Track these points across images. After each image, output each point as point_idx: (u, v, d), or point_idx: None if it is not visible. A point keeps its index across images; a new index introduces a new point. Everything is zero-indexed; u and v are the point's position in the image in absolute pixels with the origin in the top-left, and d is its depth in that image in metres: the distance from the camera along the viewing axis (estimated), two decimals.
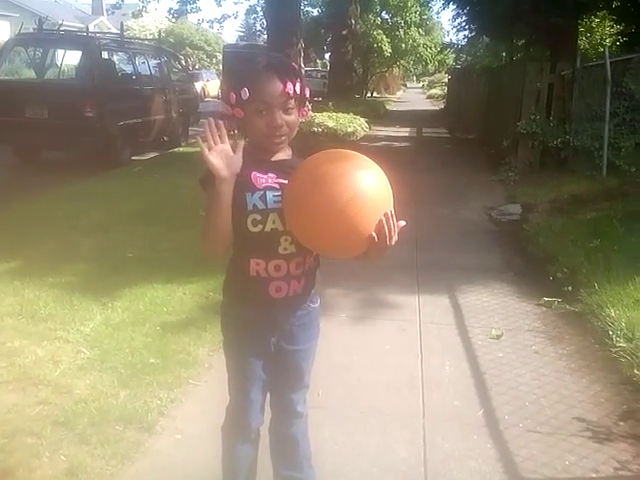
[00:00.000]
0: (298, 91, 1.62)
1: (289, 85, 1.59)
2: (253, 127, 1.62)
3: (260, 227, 1.64)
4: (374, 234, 1.48)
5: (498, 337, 3.47)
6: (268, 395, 1.88)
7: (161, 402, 2.67)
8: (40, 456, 2.27)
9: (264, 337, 1.77)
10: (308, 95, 1.68)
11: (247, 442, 1.90)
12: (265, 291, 1.69)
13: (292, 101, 1.62)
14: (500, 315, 3.81)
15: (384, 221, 1.49)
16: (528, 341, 3.45)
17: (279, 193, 1.62)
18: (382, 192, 1.52)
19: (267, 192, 1.63)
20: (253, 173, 1.64)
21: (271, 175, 1.64)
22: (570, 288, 4.10)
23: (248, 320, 1.76)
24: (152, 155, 10.23)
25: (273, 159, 1.67)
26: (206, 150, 1.53)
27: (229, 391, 1.87)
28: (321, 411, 2.64)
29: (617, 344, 3.26)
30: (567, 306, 3.90)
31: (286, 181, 1.59)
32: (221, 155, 1.54)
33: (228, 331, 1.83)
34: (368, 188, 1.47)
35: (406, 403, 2.79)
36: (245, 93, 1.58)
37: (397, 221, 1.53)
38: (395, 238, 1.52)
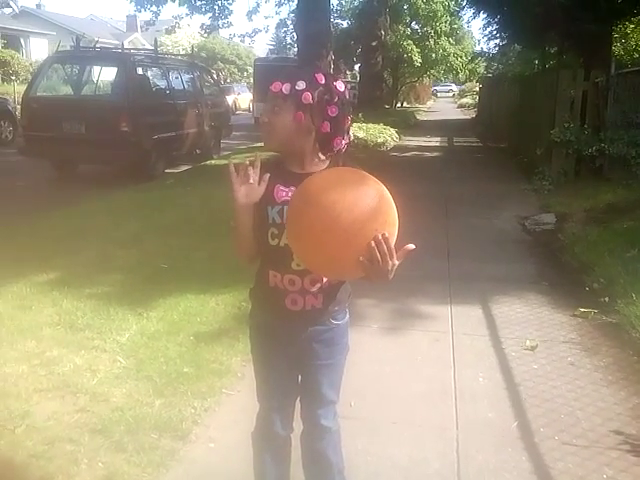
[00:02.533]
0: (286, 91, 1.59)
1: (276, 84, 1.61)
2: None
3: (277, 241, 1.67)
4: (362, 258, 1.41)
5: (533, 348, 3.42)
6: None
7: (195, 411, 2.71)
8: (78, 463, 2.33)
9: (284, 346, 1.79)
10: (308, 102, 1.59)
11: (275, 449, 1.91)
12: (282, 302, 1.72)
13: (279, 100, 1.61)
14: (534, 326, 3.75)
15: (374, 245, 1.40)
16: (564, 353, 3.39)
17: None
18: (374, 213, 1.41)
19: (284, 207, 1.63)
20: (277, 186, 1.67)
21: (292, 188, 1.62)
22: (607, 299, 4.02)
23: (269, 327, 1.79)
24: (185, 168, 10.39)
25: (296, 170, 1.67)
26: (234, 176, 1.61)
27: (257, 398, 1.89)
28: (354, 422, 2.63)
29: None
30: (604, 317, 3.83)
31: None
32: (245, 183, 1.61)
33: (252, 337, 1.87)
34: (355, 208, 1.39)
35: (439, 414, 2.77)
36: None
37: (419, 238, 1.47)
38: (391, 263, 1.43)
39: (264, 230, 1.68)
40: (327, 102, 1.61)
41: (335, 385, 1.86)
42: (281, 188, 1.67)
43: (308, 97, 1.60)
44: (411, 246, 1.48)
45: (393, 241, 1.44)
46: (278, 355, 1.80)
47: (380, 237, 1.41)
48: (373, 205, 1.43)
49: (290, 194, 1.64)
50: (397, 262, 1.45)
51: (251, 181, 1.61)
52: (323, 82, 1.62)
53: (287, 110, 1.61)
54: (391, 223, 1.46)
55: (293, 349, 1.79)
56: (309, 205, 1.44)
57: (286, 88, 1.60)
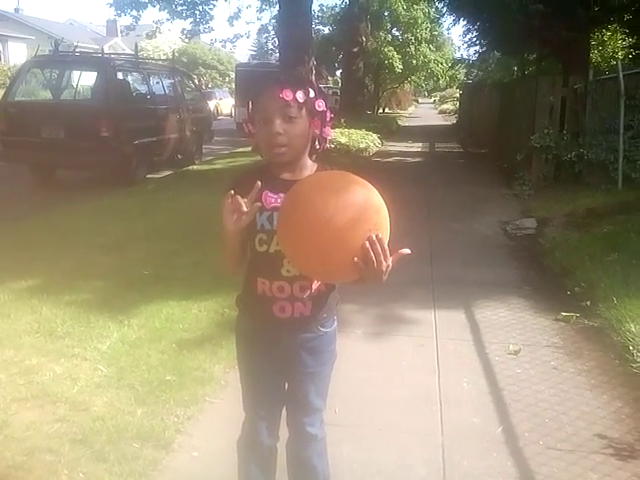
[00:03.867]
0: (300, 99, 1.57)
1: (287, 92, 1.56)
2: (259, 140, 1.63)
3: (265, 247, 1.65)
4: (356, 259, 1.40)
5: (516, 353, 3.43)
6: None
7: (178, 419, 2.67)
8: (58, 474, 2.28)
9: (271, 354, 1.76)
10: (322, 109, 1.64)
11: (260, 458, 1.88)
12: (269, 310, 1.69)
13: (293, 109, 1.57)
14: (517, 330, 3.77)
15: (368, 245, 1.40)
16: (547, 357, 3.41)
17: None
18: (366, 214, 1.41)
19: (274, 213, 1.61)
20: (265, 192, 1.63)
21: (281, 195, 1.60)
22: (588, 303, 4.06)
23: (256, 335, 1.77)
24: (166, 173, 10.32)
25: (286, 177, 1.64)
26: (226, 204, 1.56)
27: (243, 406, 1.87)
28: (338, 428, 2.62)
29: (638, 359, 3.22)
30: (586, 321, 3.86)
31: None
32: (235, 210, 1.56)
33: (238, 344, 1.85)
34: (348, 209, 1.39)
35: (424, 420, 2.76)
36: (249, 106, 1.63)
37: (401, 243, 1.46)
38: (385, 264, 1.42)
39: (252, 237, 1.66)
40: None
41: (322, 393, 1.84)
42: (269, 194, 1.64)
43: (322, 105, 1.63)
44: (406, 251, 1.48)
45: (386, 242, 1.44)
46: (265, 363, 1.78)
47: (374, 237, 1.40)
48: (366, 206, 1.43)
49: (279, 200, 1.61)
50: (391, 264, 1.45)
51: (244, 209, 1.56)
52: (315, 85, 1.64)
53: (302, 118, 1.60)
54: (383, 224, 1.46)
55: (280, 357, 1.77)
56: (302, 206, 1.43)
57: (300, 96, 1.57)
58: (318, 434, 1.86)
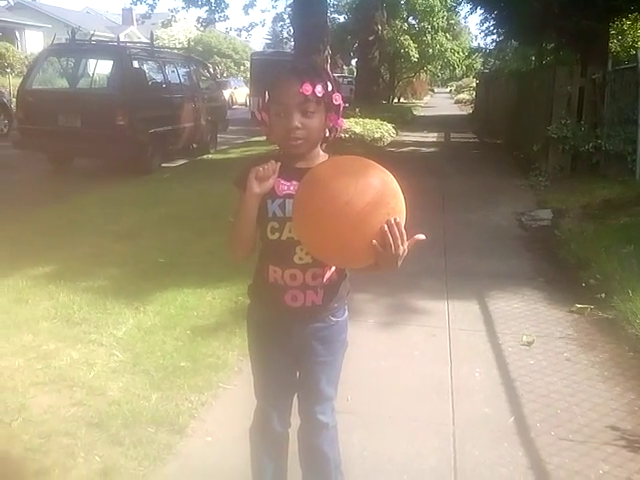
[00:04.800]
0: (319, 93, 1.57)
1: (306, 85, 1.55)
2: (274, 130, 1.63)
3: (277, 235, 1.65)
4: (375, 242, 1.41)
5: (529, 344, 3.43)
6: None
7: (192, 405, 2.70)
8: (75, 456, 2.32)
9: (282, 343, 1.77)
10: (338, 102, 1.63)
11: (272, 445, 1.91)
12: (281, 299, 1.69)
13: (312, 104, 1.57)
14: (531, 322, 3.76)
15: (386, 229, 1.41)
16: (560, 348, 3.40)
17: None
18: (384, 198, 1.42)
19: (287, 200, 1.62)
20: (278, 180, 1.63)
21: (294, 183, 1.61)
22: (603, 295, 4.03)
23: (267, 324, 1.78)
24: (181, 162, 10.36)
25: (300, 166, 1.64)
26: (255, 169, 1.60)
27: (255, 394, 1.89)
28: (350, 416, 2.64)
29: None
30: (600, 313, 3.84)
31: None
32: (259, 176, 1.59)
33: (250, 333, 1.85)
34: (367, 192, 1.40)
35: (436, 410, 2.77)
36: (266, 96, 1.62)
37: (414, 233, 1.46)
38: (403, 248, 1.43)
39: (263, 224, 1.66)
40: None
41: (333, 382, 1.86)
42: (282, 182, 1.64)
43: (338, 98, 1.63)
44: (421, 236, 1.49)
45: (403, 226, 1.45)
46: (276, 352, 1.79)
47: (392, 221, 1.41)
48: (384, 189, 1.44)
49: (292, 188, 1.62)
50: (407, 249, 1.46)
51: (270, 180, 1.60)
52: (331, 76, 1.64)
53: (320, 112, 1.61)
54: (400, 208, 1.47)
55: (292, 346, 1.78)
56: (319, 190, 1.43)
57: (319, 90, 1.57)
58: (329, 422, 1.88)
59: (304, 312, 1.71)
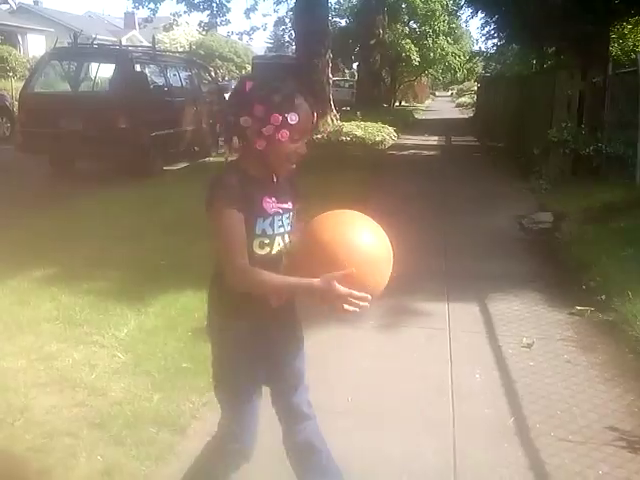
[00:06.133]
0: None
1: (315, 115, 1.68)
2: (281, 150, 1.64)
3: (267, 250, 1.70)
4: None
5: (529, 346, 3.44)
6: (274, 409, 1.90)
7: (193, 405, 2.72)
8: (77, 456, 2.34)
9: (260, 355, 1.77)
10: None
11: (236, 465, 1.86)
12: (267, 302, 1.70)
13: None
14: (531, 324, 3.77)
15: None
16: (560, 350, 3.41)
17: (281, 218, 1.72)
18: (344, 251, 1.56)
19: (275, 218, 1.70)
20: (264, 198, 1.68)
21: (274, 199, 1.69)
22: (603, 297, 4.04)
23: (246, 338, 1.75)
24: (183, 165, 10.39)
25: (274, 179, 1.73)
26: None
27: (223, 410, 1.85)
28: (350, 417, 2.66)
29: None
30: (600, 315, 3.85)
31: (285, 205, 1.73)
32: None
33: (224, 351, 1.80)
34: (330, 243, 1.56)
35: (436, 411, 2.78)
36: (294, 118, 1.60)
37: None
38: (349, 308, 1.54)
39: (249, 241, 1.66)
40: None
41: (305, 373, 1.92)
42: (267, 199, 1.69)
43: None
44: (368, 299, 1.59)
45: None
46: (252, 370, 1.78)
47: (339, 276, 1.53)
48: (355, 246, 1.60)
49: (275, 206, 1.70)
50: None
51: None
52: None
53: None
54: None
55: (270, 350, 1.80)
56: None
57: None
58: (310, 413, 1.91)
59: (283, 308, 1.75)
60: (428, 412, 2.77)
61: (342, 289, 1.52)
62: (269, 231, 1.69)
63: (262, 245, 1.69)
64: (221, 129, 1.73)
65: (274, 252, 1.71)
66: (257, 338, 1.76)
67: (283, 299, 1.72)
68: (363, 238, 1.61)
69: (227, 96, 1.72)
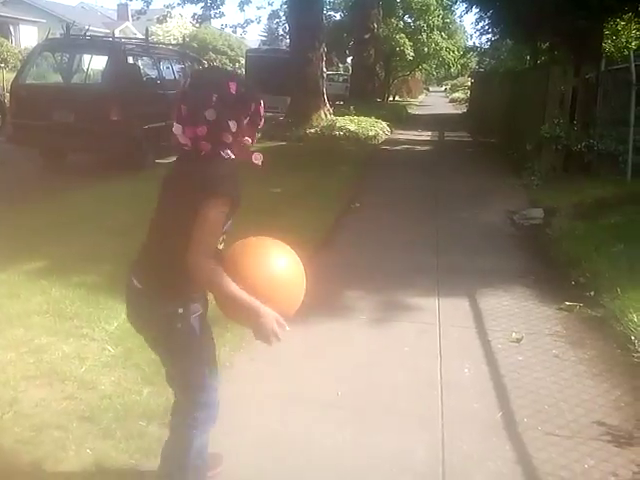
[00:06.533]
0: None
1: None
2: (245, 145, 1.80)
3: (223, 245, 1.81)
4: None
5: (518, 341, 3.46)
6: None
7: None
8: (66, 449, 2.34)
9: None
10: None
11: (207, 431, 2.01)
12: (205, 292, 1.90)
13: None
14: (521, 319, 3.80)
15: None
16: (549, 345, 3.43)
17: None
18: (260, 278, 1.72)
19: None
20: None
21: None
22: (592, 293, 4.07)
23: (204, 315, 1.91)
24: (175, 158, 10.33)
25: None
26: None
27: (191, 385, 1.95)
28: (340, 411, 2.67)
29: (639, 349, 3.24)
30: (589, 311, 3.88)
31: None
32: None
33: (199, 327, 1.89)
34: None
35: (425, 405, 2.80)
36: (258, 104, 1.83)
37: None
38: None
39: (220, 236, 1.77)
40: None
41: None
42: None
43: None
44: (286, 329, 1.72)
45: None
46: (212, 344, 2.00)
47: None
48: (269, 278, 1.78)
49: None
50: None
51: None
52: None
53: None
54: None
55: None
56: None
57: None
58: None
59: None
60: (417, 406, 2.79)
61: (276, 327, 1.69)
62: (228, 228, 1.79)
63: (222, 241, 1.79)
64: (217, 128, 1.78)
65: (221, 247, 1.79)
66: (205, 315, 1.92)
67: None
68: (279, 267, 1.78)
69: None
